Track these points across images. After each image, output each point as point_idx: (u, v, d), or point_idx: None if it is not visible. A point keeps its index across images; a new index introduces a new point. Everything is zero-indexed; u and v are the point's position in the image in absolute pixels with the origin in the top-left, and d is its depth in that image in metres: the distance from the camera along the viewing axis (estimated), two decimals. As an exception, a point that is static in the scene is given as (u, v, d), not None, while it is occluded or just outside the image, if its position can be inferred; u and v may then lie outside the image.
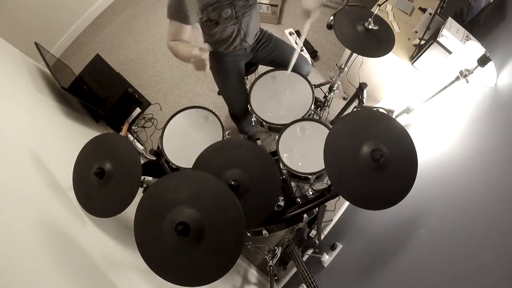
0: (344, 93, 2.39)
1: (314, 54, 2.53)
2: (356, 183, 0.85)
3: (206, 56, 0.99)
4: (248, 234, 1.33)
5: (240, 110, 1.60)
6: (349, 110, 1.91)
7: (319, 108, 1.94)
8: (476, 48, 1.27)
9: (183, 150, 1.33)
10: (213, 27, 1.28)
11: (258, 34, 1.51)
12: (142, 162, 1.14)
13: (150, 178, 1.03)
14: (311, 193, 1.18)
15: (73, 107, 1.86)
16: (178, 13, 1.12)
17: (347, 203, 2.08)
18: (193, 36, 1.18)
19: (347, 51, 1.82)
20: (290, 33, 2.57)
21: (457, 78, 1.24)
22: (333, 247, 1.62)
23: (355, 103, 1.70)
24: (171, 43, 1.17)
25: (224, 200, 0.71)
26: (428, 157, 1.34)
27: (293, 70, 1.45)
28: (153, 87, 2.58)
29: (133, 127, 2.40)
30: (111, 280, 0.87)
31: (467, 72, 1.19)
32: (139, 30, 2.87)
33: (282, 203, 1.15)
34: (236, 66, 1.51)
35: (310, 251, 1.87)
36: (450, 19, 1.46)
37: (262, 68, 1.59)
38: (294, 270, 1.91)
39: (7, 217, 0.73)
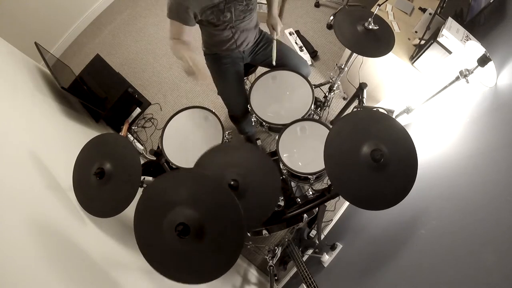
0: (344, 93, 2.39)
1: (314, 54, 2.53)
2: (356, 183, 0.85)
3: (199, 65, 1.03)
4: (248, 234, 1.33)
5: (239, 112, 1.59)
6: (349, 110, 1.91)
7: (319, 108, 1.95)
8: (476, 48, 1.27)
9: (183, 150, 1.33)
10: (211, 29, 1.28)
11: (257, 36, 1.50)
12: (142, 162, 1.14)
13: (150, 178, 1.03)
14: (311, 193, 1.18)
15: (73, 107, 1.86)
16: (178, 14, 1.12)
17: (347, 203, 2.08)
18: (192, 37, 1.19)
19: (347, 51, 1.82)
20: (290, 33, 2.58)
21: (457, 78, 1.24)
22: (333, 247, 1.61)
23: (355, 103, 1.70)
24: (172, 41, 1.20)
25: (224, 200, 0.71)
26: (428, 157, 1.33)
27: (292, 71, 1.46)
28: (153, 87, 2.58)
29: (133, 127, 2.40)
30: (111, 280, 0.87)
31: (467, 72, 1.19)
32: (139, 30, 2.86)
33: (282, 203, 1.15)
34: (234, 68, 1.50)
35: (310, 251, 1.87)
36: (450, 19, 1.46)
37: (261, 68, 1.59)
38: (294, 270, 1.91)
39: (7, 217, 0.73)
